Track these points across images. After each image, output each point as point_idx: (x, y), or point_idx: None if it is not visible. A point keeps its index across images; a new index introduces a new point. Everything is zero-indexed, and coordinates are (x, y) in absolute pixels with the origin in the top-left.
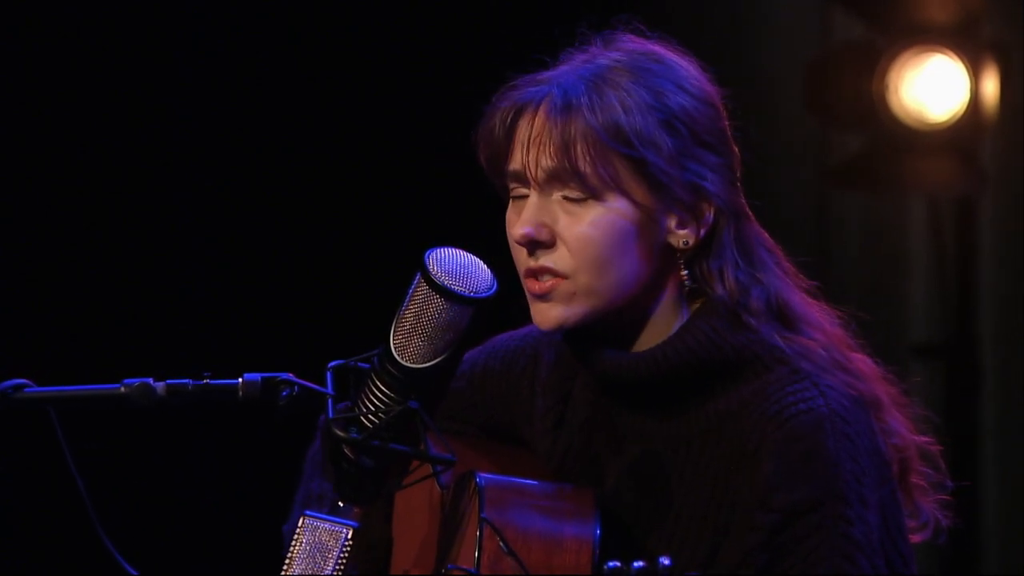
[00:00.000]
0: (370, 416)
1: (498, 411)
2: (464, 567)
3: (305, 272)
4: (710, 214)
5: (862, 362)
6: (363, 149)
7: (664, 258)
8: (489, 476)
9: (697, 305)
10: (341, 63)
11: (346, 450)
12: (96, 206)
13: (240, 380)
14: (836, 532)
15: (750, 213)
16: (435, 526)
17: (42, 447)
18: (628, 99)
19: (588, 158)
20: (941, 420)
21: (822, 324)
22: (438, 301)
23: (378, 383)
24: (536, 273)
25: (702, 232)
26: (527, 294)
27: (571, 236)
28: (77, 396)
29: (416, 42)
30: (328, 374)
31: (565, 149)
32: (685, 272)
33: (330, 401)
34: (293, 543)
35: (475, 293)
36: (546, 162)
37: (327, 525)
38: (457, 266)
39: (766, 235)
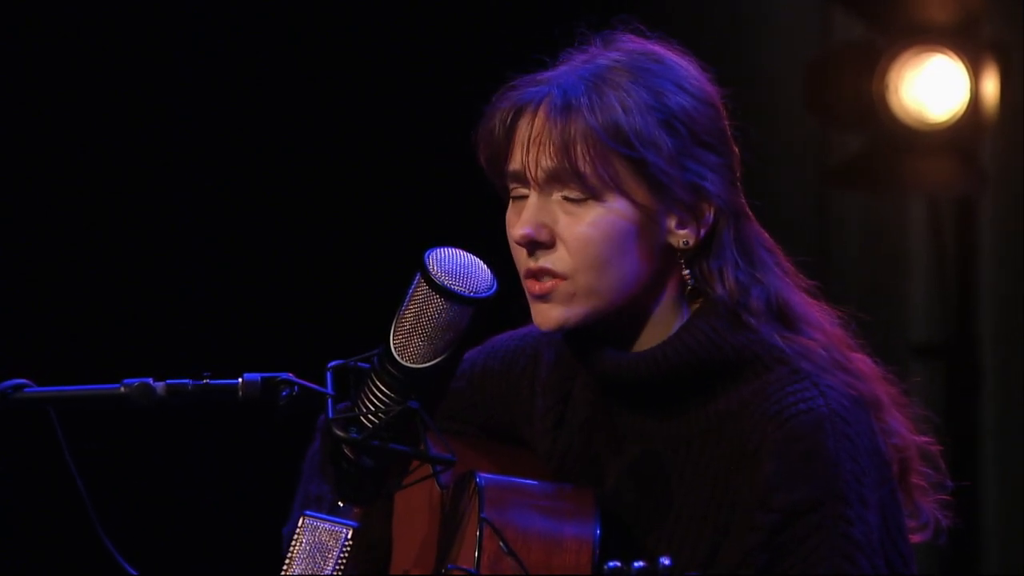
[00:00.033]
0: (370, 416)
1: (498, 411)
2: (464, 567)
3: (305, 272)
4: (710, 214)
5: (862, 362)
6: (363, 149)
7: (664, 258)
8: (489, 476)
9: (697, 305)
10: (341, 63)
11: (346, 450)
12: (96, 206)
13: (240, 380)
14: (836, 532)
15: (750, 213)
16: (435, 526)
17: (42, 447)
18: (628, 99)
19: (588, 158)
20: (941, 420)
21: (822, 324)
22: (438, 301)
23: (378, 383)
24: (536, 274)
25: (702, 232)
26: (527, 295)
27: (571, 236)
28: (77, 396)
29: (416, 42)
30: (328, 374)
31: (565, 149)
32: (687, 272)
33: (330, 401)
34: (293, 543)
35: (475, 293)
36: (546, 162)
37: (327, 525)
38: (457, 266)
39: (766, 235)
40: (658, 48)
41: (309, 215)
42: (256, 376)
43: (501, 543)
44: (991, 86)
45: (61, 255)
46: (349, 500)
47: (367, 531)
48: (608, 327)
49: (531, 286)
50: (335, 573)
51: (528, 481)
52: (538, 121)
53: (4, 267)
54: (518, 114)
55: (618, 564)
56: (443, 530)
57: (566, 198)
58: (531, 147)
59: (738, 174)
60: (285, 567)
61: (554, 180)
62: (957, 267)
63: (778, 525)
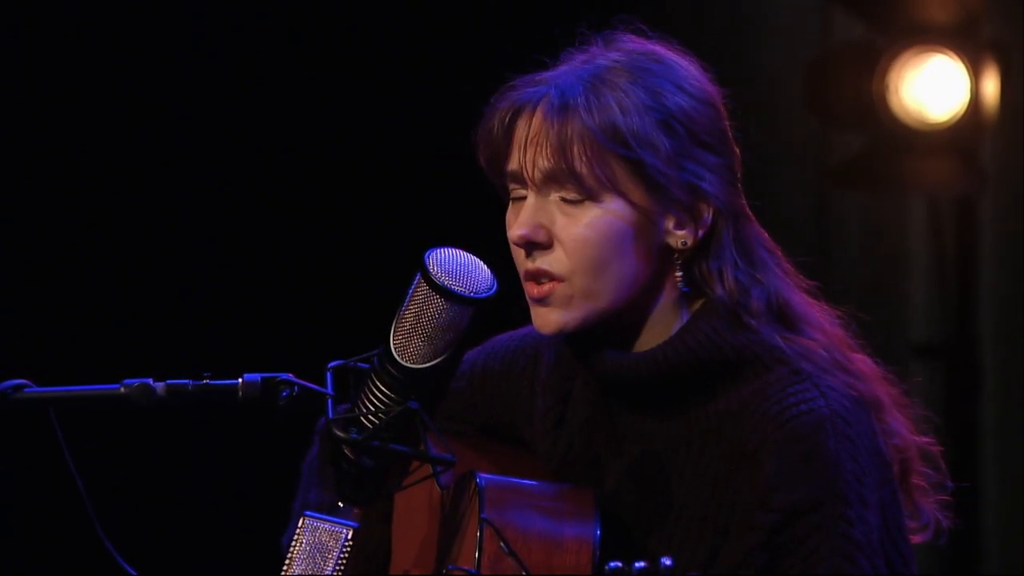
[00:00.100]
0: (370, 416)
1: (498, 411)
2: (464, 567)
3: (305, 272)
4: (708, 215)
5: (862, 362)
6: (363, 149)
7: (662, 259)
8: (489, 476)
9: (697, 306)
10: (341, 63)
11: (346, 450)
12: (96, 206)
13: (240, 380)
14: (836, 532)
15: (750, 214)
16: (435, 527)
17: (42, 447)
18: (626, 100)
19: (585, 159)
20: (941, 420)
21: (822, 324)
22: (438, 301)
23: (378, 383)
24: (534, 276)
25: (700, 233)
26: (527, 298)
27: (568, 237)
28: (77, 396)
29: (416, 42)
30: (328, 374)
31: (562, 150)
32: (679, 274)
33: (330, 401)
34: (293, 543)
35: (475, 293)
36: (543, 163)
37: (327, 526)
38: (457, 266)
39: (766, 235)
40: (659, 48)
41: (309, 215)
42: (256, 376)
43: (501, 543)
44: (991, 86)
45: (61, 255)
46: (349, 501)
47: (366, 533)
48: (608, 328)
49: (530, 289)
50: (335, 573)
51: (528, 481)
52: (535, 121)
53: (4, 267)
54: (516, 114)
55: (619, 564)
56: (443, 530)
57: (563, 199)
58: (528, 148)
59: (738, 175)
60: (285, 567)
61: (551, 181)
62: (957, 267)
63: (778, 525)
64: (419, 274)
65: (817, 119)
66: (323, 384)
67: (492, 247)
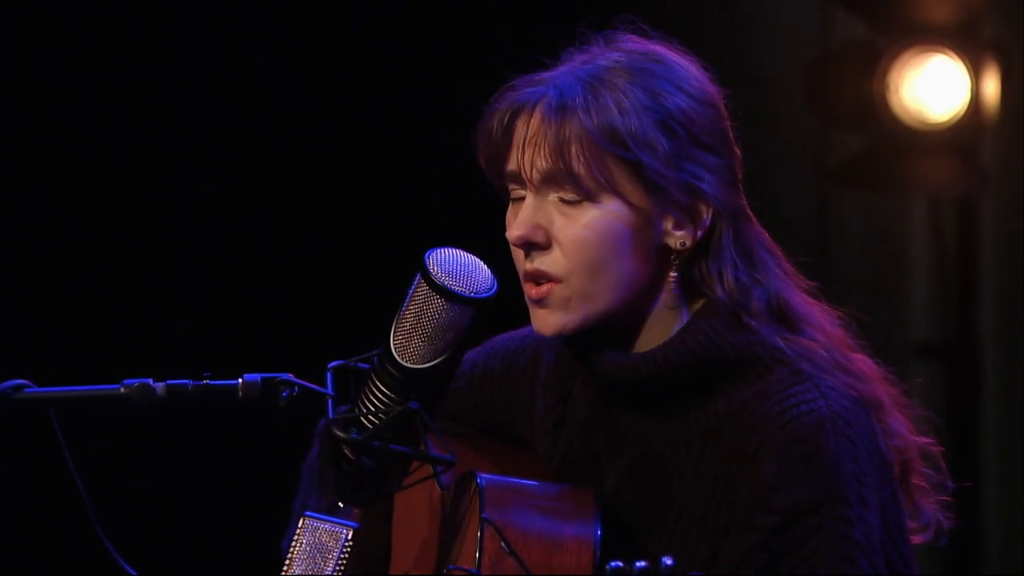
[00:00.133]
0: (370, 417)
1: (498, 412)
2: (465, 567)
3: (305, 272)
4: (708, 216)
5: (863, 363)
6: (363, 149)
7: (661, 260)
8: (490, 476)
9: (697, 306)
10: (341, 63)
11: (346, 451)
12: (96, 206)
13: (240, 380)
14: (836, 533)
15: (751, 214)
16: (435, 527)
17: (42, 447)
18: (624, 100)
19: (582, 160)
20: (942, 421)
21: (823, 325)
22: (438, 301)
23: (378, 383)
24: (533, 277)
25: (699, 234)
26: (526, 299)
27: (566, 238)
28: (77, 396)
29: (416, 42)
30: (328, 374)
31: (559, 151)
32: (674, 275)
33: (330, 401)
34: (293, 543)
35: (475, 293)
36: (541, 163)
37: (327, 526)
38: (457, 266)
39: (767, 236)
40: (659, 48)
41: (309, 215)
42: (256, 376)
43: (502, 543)
44: (992, 86)
45: (61, 255)
46: (349, 501)
47: (366, 534)
48: (608, 328)
49: (528, 290)
50: (335, 574)
51: (529, 482)
52: (534, 122)
53: (4, 267)
54: (515, 115)
55: (620, 564)
56: (443, 531)
57: (562, 199)
58: (527, 148)
59: (739, 176)
60: (285, 567)
61: (549, 181)
62: (958, 267)
63: (778, 526)
64: (419, 274)
65: (817, 119)
66: (323, 384)
67: (492, 247)
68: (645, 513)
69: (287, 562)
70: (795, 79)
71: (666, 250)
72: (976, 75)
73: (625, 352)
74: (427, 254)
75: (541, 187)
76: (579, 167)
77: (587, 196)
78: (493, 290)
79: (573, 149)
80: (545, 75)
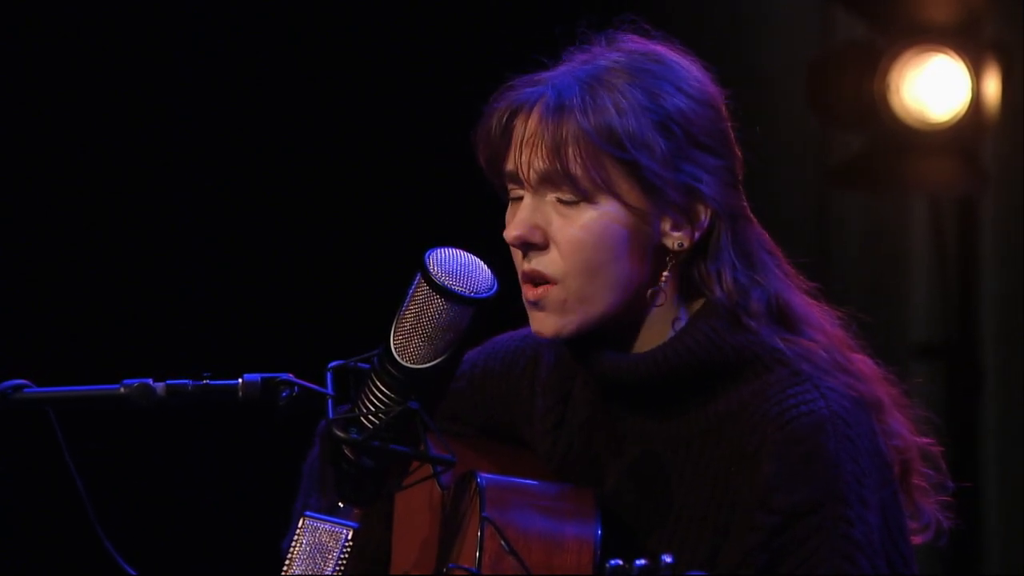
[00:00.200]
0: (370, 417)
1: (498, 412)
2: (465, 567)
3: (305, 272)
4: (706, 217)
5: (863, 363)
6: (363, 149)
7: (658, 261)
8: (490, 476)
9: (697, 307)
10: (341, 63)
11: (346, 451)
12: (96, 206)
13: (240, 380)
14: (836, 533)
15: (750, 215)
16: (435, 527)
17: (42, 447)
18: (622, 101)
19: (580, 160)
20: (942, 421)
21: (823, 325)
22: (438, 301)
23: (378, 383)
24: (530, 278)
25: (697, 235)
26: (524, 300)
27: (563, 239)
28: (77, 396)
29: (416, 42)
30: (328, 374)
31: (557, 151)
32: (666, 275)
33: (330, 402)
34: (293, 543)
35: (475, 293)
36: (538, 164)
37: (327, 526)
38: (457, 266)
39: (767, 237)
40: (660, 48)
41: (309, 215)
42: (256, 376)
43: (502, 543)
44: (992, 86)
45: (61, 255)
46: (349, 501)
47: (366, 534)
48: (607, 329)
49: (526, 291)
50: (335, 574)
51: (529, 481)
52: (532, 122)
53: (4, 267)
54: (514, 115)
55: (620, 562)
56: (444, 530)
57: (559, 200)
58: (525, 148)
59: (739, 177)
60: (285, 567)
61: (547, 182)
62: (958, 267)
63: (778, 526)
64: (419, 274)
65: (817, 119)
66: (323, 384)
67: (492, 247)
68: (645, 513)
69: (287, 562)
70: (795, 79)
71: (663, 251)
72: (977, 75)
73: (625, 352)
74: (427, 254)
75: (539, 187)
76: (576, 168)
77: (584, 197)
78: (493, 290)
79: (570, 150)
80: (544, 75)
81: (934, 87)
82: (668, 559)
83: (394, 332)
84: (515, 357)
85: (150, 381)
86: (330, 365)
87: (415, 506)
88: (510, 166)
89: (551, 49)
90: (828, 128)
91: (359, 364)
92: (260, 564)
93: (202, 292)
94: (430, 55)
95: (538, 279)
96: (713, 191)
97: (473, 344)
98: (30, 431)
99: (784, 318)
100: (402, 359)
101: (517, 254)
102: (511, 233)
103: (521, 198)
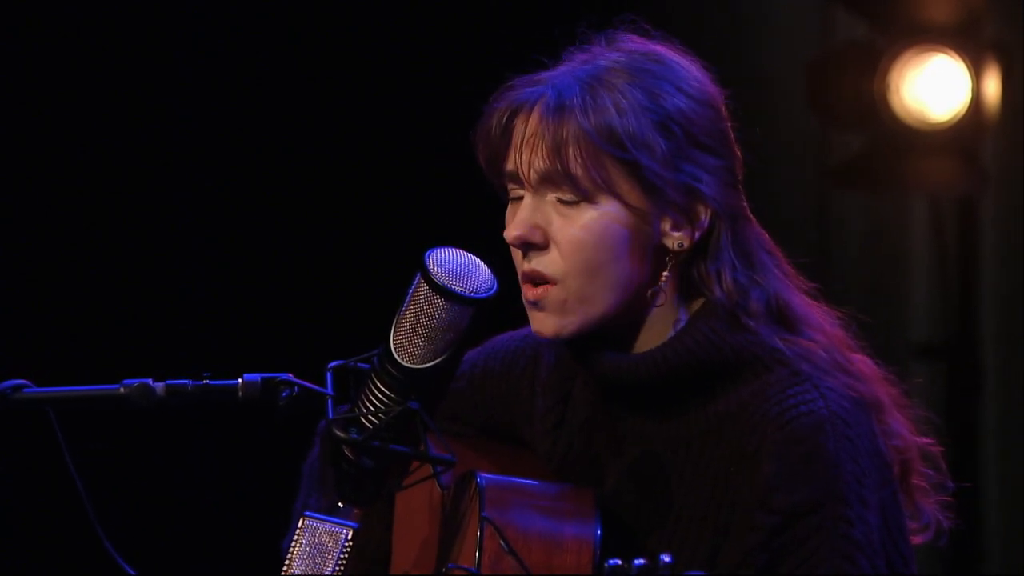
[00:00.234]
0: (370, 417)
1: (498, 412)
2: (465, 567)
3: (305, 272)
4: (706, 217)
5: (863, 363)
6: (363, 149)
7: (658, 261)
8: (490, 476)
9: (696, 307)
10: (341, 63)
11: (346, 451)
12: (96, 206)
13: (240, 380)
14: (836, 533)
15: (750, 215)
16: (435, 526)
17: (42, 447)
18: (623, 101)
19: (580, 160)
20: (942, 421)
21: (823, 325)
22: (438, 301)
23: (378, 383)
24: (530, 278)
25: (697, 235)
26: (524, 300)
27: (563, 239)
28: (76, 396)
29: (416, 42)
30: (328, 374)
31: (557, 151)
32: (666, 275)
33: (330, 402)
34: (293, 543)
35: (475, 293)
36: (539, 164)
37: (327, 526)
38: (457, 266)
39: (767, 237)
40: (660, 48)
41: (309, 215)
42: (256, 376)
43: (502, 542)
44: (992, 86)
45: (61, 255)
46: (349, 501)
47: (366, 534)
48: (607, 329)
49: (526, 291)
50: (335, 574)
51: (529, 481)
52: (532, 122)
53: (4, 267)
54: (514, 115)
55: (618, 562)
56: (444, 530)
57: (560, 200)
58: (525, 148)
59: (739, 177)
60: (285, 567)
61: (547, 182)
62: (958, 267)
63: (778, 527)
64: (419, 274)
65: (817, 119)
66: (323, 384)
67: (492, 247)
68: (645, 513)
69: (287, 562)
70: (795, 79)
71: (664, 251)
72: (977, 75)
73: (624, 352)
74: (427, 254)
75: (539, 187)
76: (576, 168)
77: (585, 197)
78: (493, 290)
79: (570, 150)
80: (544, 75)
81: (934, 87)
82: (667, 559)
83: (394, 332)
84: (515, 357)
85: (150, 381)
86: (330, 365)
87: (415, 506)
88: (510, 166)
89: (551, 49)
90: (828, 128)
91: (359, 364)
92: (260, 564)
93: (202, 292)
94: (430, 55)
95: (538, 279)
96: (713, 191)
97: (473, 344)
98: (30, 431)
99: (784, 318)
100: (402, 359)
101: (517, 254)
102: (511, 233)
103: (521, 198)
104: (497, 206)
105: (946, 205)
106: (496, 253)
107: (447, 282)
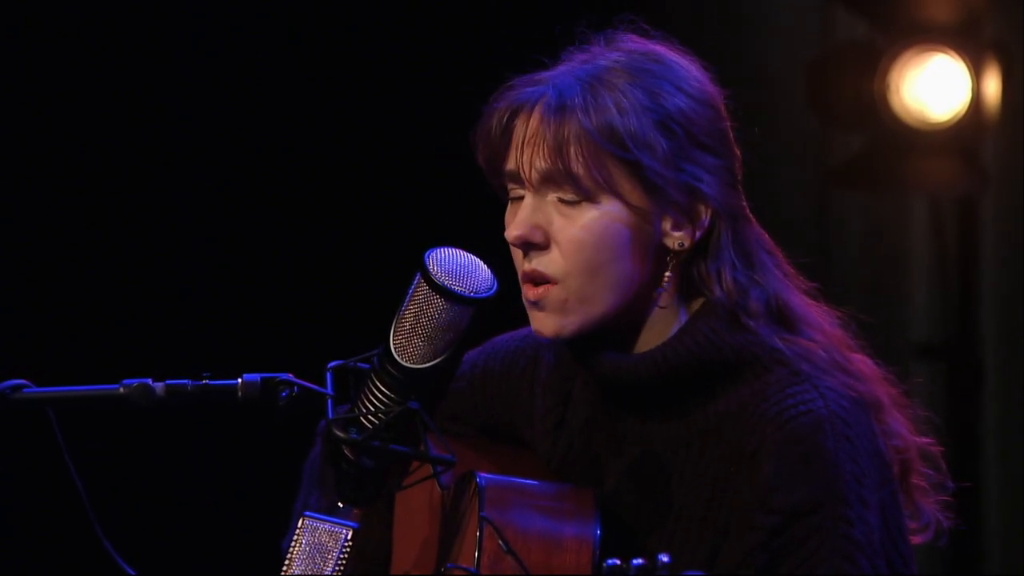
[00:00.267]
0: (370, 417)
1: (498, 412)
2: (464, 566)
3: (305, 272)
4: (706, 217)
5: (862, 363)
6: (363, 149)
7: (659, 260)
8: (489, 476)
9: (696, 307)
10: (341, 63)
11: (346, 451)
12: (96, 206)
13: (240, 380)
14: (836, 533)
15: (750, 215)
16: (435, 527)
17: (42, 447)
18: (623, 100)
19: (581, 160)
20: (942, 421)
21: (822, 325)
22: (438, 301)
23: (378, 383)
24: (531, 278)
25: (697, 234)
26: (524, 300)
27: (564, 239)
28: (76, 396)
29: (416, 42)
30: (328, 374)
31: (558, 151)
32: (668, 274)
33: (330, 402)
34: (293, 543)
35: (475, 293)
36: (540, 163)
37: (327, 526)
38: (457, 266)
39: (767, 237)
40: (660, 48)
41: (309, 215)
42: (256, 376)
43: (501, 543)
44: (992, 86)
45: (61, 255)
46: (349, 501)
47: (366, 534)
48: (607, 329)
49: (526, 291)
50: (335, 574)
51: (528, 481)
52: (533, 122)
53: (4, 267)
54: (514, 114)
55: (617, 562)
56: (443, 530)
57: (560, 200)
58: (525, 148)
59: (739, 176)
60: (285, 567)
61: (548, 181)
62: (958, 267)
63: (778, 526)
64: (419, 274)
65: (817, 119)
66: (323, 384)
67: (492, 247)
68: (645, 513)
69: (287, 562)
70: (795, 79)
71: (664, 250)
72: (977, 75)
73: (624, 352)
74: (427, 254)
75: (540, 187)
76: (578, 167)
77: (586, 196)
78: (493, 290)
79: (572, 149)
80: (544, 75)
81: (934, 87)
82: (665, 559)
83: (394, 332)
84: (515, 357)
85: (150, 381)
86: (330, 365)
87: (415, 506)
88: (511, 166)
89: (551, 49)
90: (828, 128)
91: (359, 364)
92: (260, 564)
93: (202, 292)
94: (430, 55)
95: (539, 279)
96: (714, 191)
97: (473, 344)
98: (30, 431)
99: (783, 318)
100: (402, 359)
101: (517, 254)
102: (512, 233)
103: (521, 198)
104: (497, 206)
105: (946, 205)
106: (496, 253)
107: (447, 282)
